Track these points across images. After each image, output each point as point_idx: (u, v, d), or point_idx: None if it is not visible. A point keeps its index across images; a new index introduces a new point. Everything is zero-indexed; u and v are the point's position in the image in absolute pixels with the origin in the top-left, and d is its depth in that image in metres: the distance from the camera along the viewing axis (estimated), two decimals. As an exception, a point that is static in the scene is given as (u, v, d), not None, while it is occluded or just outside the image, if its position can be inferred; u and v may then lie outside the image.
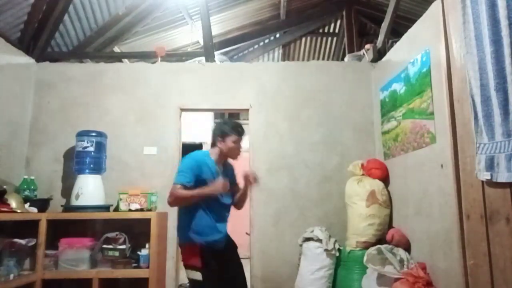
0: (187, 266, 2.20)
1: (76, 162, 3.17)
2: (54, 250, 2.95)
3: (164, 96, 3.58)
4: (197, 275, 2.14)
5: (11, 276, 2.59)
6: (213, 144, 2.35)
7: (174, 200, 2.18)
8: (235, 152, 2.35)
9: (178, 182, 2.16)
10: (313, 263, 3.02)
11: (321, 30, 6.04)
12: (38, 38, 3.53)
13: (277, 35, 5.93)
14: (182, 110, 3.61)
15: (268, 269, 3.32)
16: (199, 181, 2.19)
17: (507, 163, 1.63)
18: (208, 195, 2.20)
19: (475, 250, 1.93)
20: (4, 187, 2.78)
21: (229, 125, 2.35)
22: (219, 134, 2.32)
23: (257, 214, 3.41)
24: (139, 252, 2.96)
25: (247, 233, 3.51)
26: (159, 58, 3.81)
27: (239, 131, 2.34)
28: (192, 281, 2.19)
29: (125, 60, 4.61)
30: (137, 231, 2.98)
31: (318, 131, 3.54)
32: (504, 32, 1.62)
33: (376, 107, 3.50)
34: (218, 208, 2.30)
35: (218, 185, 2.17)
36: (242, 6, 5.01)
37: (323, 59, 6.46)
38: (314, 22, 5.73)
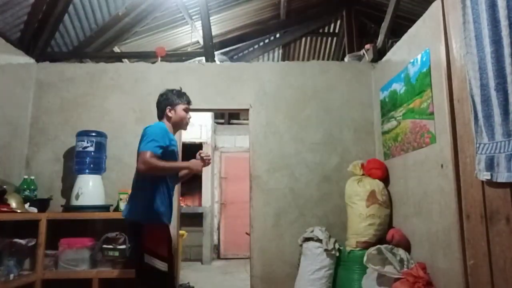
0: (152, 253, 1.98)
1: (76, 162, 3.17)
2: (54, 250, 2.95)
3: (164, 96, 3.57)
4: (163, 266, 1.99)
5: (11, 276, 2.60)
6: (161, 116, 2.28)
7: (149, 169, 2.00)
8: (185, 121, 2.33)
9: (149, 149, 2.00)
10: (313, 263, 3.02)
11: (321, 30, 6.04)
12: (38, 38, 3.54)
13: (277, 35, 5.92)
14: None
15: (268, 269, 3.32)
16: (168, 152, 2.13)
17: (507, 163, 1.63)
18: (183, 169, 2.22)
19: (475, 250, 1.93)
20: (4, 187, 2.78)
21: (176, 94, 2.30)
22: (168, 104, 2.26)
23: (257, 214, 3.41)
24: (139, 252, 2.96)
25: (247, 233, 3.52)
26: (159, 58, 3.81)
27: (187, 98, 2.33)
28: (153, 271, 1.97)
29: (125, 60, 4.61)
30: (137, 231, 2.98)
31: (318, 131, 3.55)
32: (504, 32, 1.62)
33: (376, 107, 3.50)
34: (172, 188, 2.26)
35: (198, 163, 2.18)
36: (242, 6, 5.01)
37: (323, 59, 6.46)
38: (314, 22, 5.73)
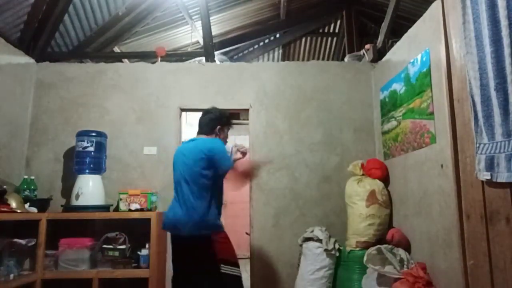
0: (228, 262, 2.10)
1: (76, 162, 3.17)
2: (54, 250, 2.95)
3: (164, 96, 3.58)
4: (238, 271, 2.13)
5: (11, 276, 2.59)
6: (208, 132, 2.47)
7: (246, 179, 2.34)
8: (226, 140, 2.57)
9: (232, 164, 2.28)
10: (313, 263, 3.02)
11: (321, 30, 6.03)
12: (38, 38, 3.53)
13: (277, 35, 5.92)
14: (182, 110, 3.61)
15: (268, 269, 3.32)
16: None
17: (507, 163, 1.63)
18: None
19: (475, 250, 1.93)
20: (4, 187, 2.78)
21: (226, 116, 2.54)
22: (220, 123, 2.48)
23: (257, 214, 3.41)
24: (139, 252, 2.96)
25: (247, 233, 3.52)
26: (159, 58, 3.81)
27: (231, 122, 2.59)
28: (231, 279, 2.08)
29: (125, 60, 4.61)
30: (137, 231, 2.98)
31: (318, 131, 3.55)
32: (504, 32, 1.62)
33: (376, 107, 3.50)
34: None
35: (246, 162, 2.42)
36: (242, 6, 5.01)
37: (323, 59, 6.46)
38: (314, 22, 5.73)
